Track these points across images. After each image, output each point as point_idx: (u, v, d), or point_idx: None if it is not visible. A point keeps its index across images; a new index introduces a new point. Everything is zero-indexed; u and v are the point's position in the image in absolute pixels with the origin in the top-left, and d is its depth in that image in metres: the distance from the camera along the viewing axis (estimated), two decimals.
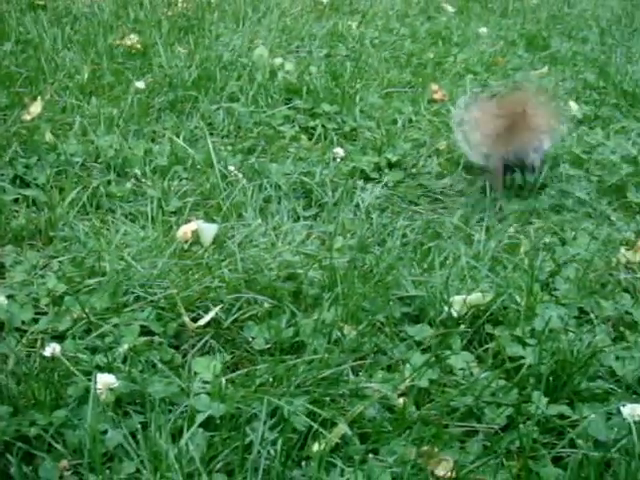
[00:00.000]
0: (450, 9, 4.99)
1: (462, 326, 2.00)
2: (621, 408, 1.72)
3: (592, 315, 2.11)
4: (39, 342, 1.81)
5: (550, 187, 2.85)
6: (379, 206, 2.61)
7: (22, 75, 3.24)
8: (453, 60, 4.01)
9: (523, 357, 1.89)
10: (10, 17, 3.96)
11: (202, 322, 1.93)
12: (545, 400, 1.76)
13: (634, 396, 1.82)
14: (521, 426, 1.70)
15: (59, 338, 1.83)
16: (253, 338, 1.90)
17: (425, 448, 1.61)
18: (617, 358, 1.94)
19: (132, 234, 2.25)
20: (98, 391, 1.63)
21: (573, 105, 3.55)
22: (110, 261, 2.10)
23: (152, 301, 1.97)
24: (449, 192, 2.76)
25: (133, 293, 1.99)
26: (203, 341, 1.88)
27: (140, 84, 3.23)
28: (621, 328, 2.09)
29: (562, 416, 1.74)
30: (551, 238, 2.52)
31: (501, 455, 1.63)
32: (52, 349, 1.75)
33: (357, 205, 2.58)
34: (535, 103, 2.92)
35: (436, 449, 1.61)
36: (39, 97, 3.01)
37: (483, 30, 4.60)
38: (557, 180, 2.92)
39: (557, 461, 1.64)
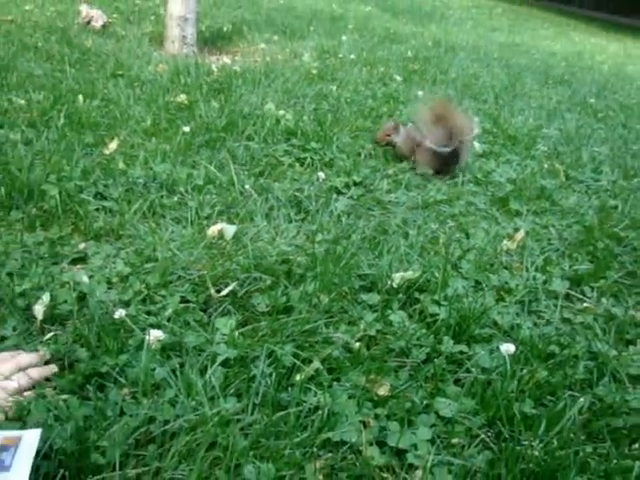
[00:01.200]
0: (398, 79, 5.02)
1: (399, 294, 2.05)
2: (500, 346, 1.79)
3: (484, 285, 2.17)
4: (110, 307, 1.84)
5: (460, 199, 2.89)
6: (347, 212, 2.63)
7: (104, 122, 3.24)
8: (400, 113, 4.04)
9: (438, 314, 1.95)
10: (98, 82, 3.97)
11: (223, 293, 1.96)
12: (452, 342, 1.83)
13: (508, 338, 1.90)
14: (435, 360, 1.74)
15: (125, 305, 1.86)
16: (258, 304, 1.94)
17: (372, 377, 1.66)
18: (498, 313, 2.00)
19: (176, 232, 2.28)
20: (150, 341, 1.67)
21: (477, 144, 3.60)
22: (161, 251, 2.12)
23: (189, 279, 2.01)
24: (394, 202, 2.78)
25: (176, 273, 2.03)
26: (223, 306, 1.91)
27: (186, 128, 3.24)
28: (502, 293, 2.16)
29: (462, 352, 1.81)
30: (459, 233, 2.56)
31: (421, 380, 1.68)
32: (120, 313, 1.78)
33: (332, 211, 2.60)
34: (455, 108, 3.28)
35: (379, 377, 1.66)
36: (115, 138, 3.02)
37: (420, 93, 4.63)
38: (466, 194, 2.96)
39: (457, 382, 1.70)
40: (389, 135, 3.31)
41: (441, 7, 12.68)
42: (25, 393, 1.53)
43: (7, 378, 1.54)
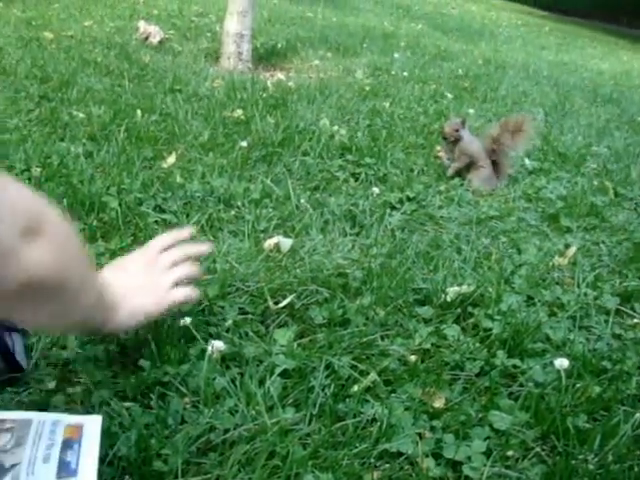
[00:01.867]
0: (450, 96, 5.01)
1: (453, 308, 2.05)
2: (553, 361, 1.78)
3: (536, 300, 2.16)
4: (171, 318, 1.84)
5: (512, 215, 2.88)
6: (401, 227, 2.64)
7: (163, 137, 3.27)
8: None
9: (492, 328, 1.94)
10: (156, 97, 4.01)
11: (281, 305, 1.97)
12: (505, 356, 1.82)
13: (560, 353, 1.87)
14: (490, 373, 1.74)
15: (185, 315, 1.87)
16: (315, 316, 1.94)
17: (427, 389, 1.65)
18: (551, 328, 1.99)
19: (234, 245, 2.29)
20: (210, 351, 1.68)
21: (527, 161, 3.61)
22: (220, 263, 2.14)
23: (247, 291, 2.02)
24: (446, 218, 2.78)
25: (235, 285, 2.03)
26: (281, 318, 1.92)
27: (243, 143, 3.26)
28: (554, 308, 2.14)
29: (515, 366, 1.80)
30: (511, 249, 2.56)
31: (475, 393, 1.68)
32: (183, 321, 1.80)
33: (386, 226, 2.61)
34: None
35: (434, 390, 1.66)
36: (174, 152, 3.06)
37: (471, 111, 4.61)
38: (517, 210, 2.95)
39: (510, 396, 1.70)
40: (457, 130, 3.21)
41: (490, 25, 12.64)
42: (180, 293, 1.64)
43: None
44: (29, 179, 2.59)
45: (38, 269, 1.01)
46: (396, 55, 6.57)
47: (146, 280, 1.63)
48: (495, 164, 3.27)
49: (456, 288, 2.10)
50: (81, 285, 1.23)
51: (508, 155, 3.31)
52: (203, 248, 1.86)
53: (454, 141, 3.23)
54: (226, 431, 1.48)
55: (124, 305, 1.53)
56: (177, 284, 1.67)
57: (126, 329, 1.63)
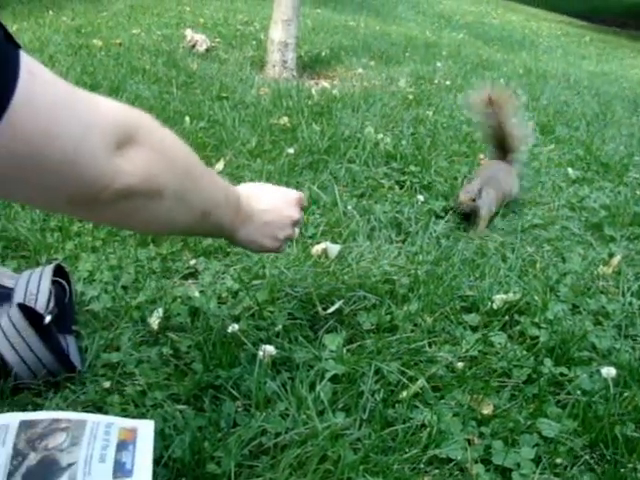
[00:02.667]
0: None
1: (500, 316, 2.04)
2: (600, 369, 1.77)
3: (581, 309, 2.15)
4: (223, 322, 1.87)
5: (555, 224, 2.86)
6: (446, 234, 2.63)
7: (211, 143, 3.28)
8: None
9: (539, 336, 1.93)
10: (204, 104, 4.04)
11: (329, 311, 1.97)
12: (552, 364, 1.81)
13: (607, 361, 1.86)
14: (538, 381, 1.73)
15: (235, 319, 1.89)
16: (363, 322, 1.94)
17: (475, 396, 1.65)
18: (597, 337, 1.97)
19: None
20: (261, 356, 1.69)
21: (570, 170, 3.57)
22: (269, 269, 2.15)
23: (296, 296, 2.02)
24: (491, 226, 2.77)
25: (284, 291, 2.04)
26: (330, 324, 1.92)
27: (291, 150, 3.27)
28: (599, 317, 2.13)
29: (562, 374, 1.79)
30: (556, 257, 2.54)
31: (522, 400, 1.67)
32: (232, 327, 1.80)
33: (431, 233, 2.60)
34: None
35: (482, 396, 1.65)
36: (222, 158, 3.06)
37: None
38: (561, 219, 2.93)
39: (558, 404, 1.69)
40: (474, 200, 2.75)
41: (530, 35, 12.56)
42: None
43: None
44: None
45: (133, 177, 1.03)
46: (438, 64, 6.54)
47: (272, 218, 1.61)
48: (503, 145, 3.15)
49: (502, 296, 2.09)
50: (183, 192, 1.21)
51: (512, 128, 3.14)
52: None
53: (471, 211, 2.79)
54: (277, 435, 1.49)
55: (254, 221, 1.56)
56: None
57: (249, 246, 1.63)
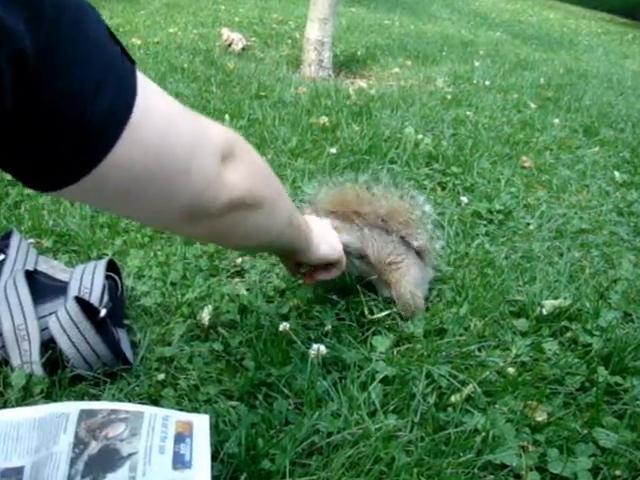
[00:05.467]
0: (533, 105, 4.95)
1: (549, 322, 2.04)
2: None
3: (634, 317, 2.15)
4: (274, 320, 1.90)
5: (603, 228, 2.86)
6: (491, 237, 2.64)
7: (252, 142, 3.25)
8: (536, 140, 4.00)
9: (591, 344, 1.93)
10: (244, 103, 4.06)
11: (377, 316, 1.98)
12: (606, 373, 1.81)
13: None
14: (594, 389, 1.74)
15: (283, 318, 1.91)
16: (412, 324, 1.96)
17: (528, 402, 1.66)
18: None
19: None
20: (313, 355, 1.72)
21: (617, 174, 3.56)
22: None
23: (341, 298, 2.04)
24: (537, 230, 2.77)
25: (331, 290, 2.07)
26: (378, 325, 1.95)
27: (333, 150, 3.29)
28: None
29: (617, 384, 1.78)
30: (605, 263, 2.54)
31: (576, 408, 1.68)
32: (283, 325, 1.83)
33: (477, 234, 2.62)
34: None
35: (535, 403, 1.66)
36: (264, 157, 3.07)
37: (556, 120, 4.55)
38: (609, 224, 2.93)
39: (614, 413, 1.69)
40: None
41: (569, 33, 12.48)
42: None
43: None
44: None
45: (239, 189, 1.10)
46: (476, 63, 6.53)
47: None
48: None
49: (552, 301, 2.09)
50: (274, 202, 1.31)
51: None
52: None
53: None
54: (330, 434, 1.51)
55: (326, 239, 1.74)
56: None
57: (329, 260, 1.79)
